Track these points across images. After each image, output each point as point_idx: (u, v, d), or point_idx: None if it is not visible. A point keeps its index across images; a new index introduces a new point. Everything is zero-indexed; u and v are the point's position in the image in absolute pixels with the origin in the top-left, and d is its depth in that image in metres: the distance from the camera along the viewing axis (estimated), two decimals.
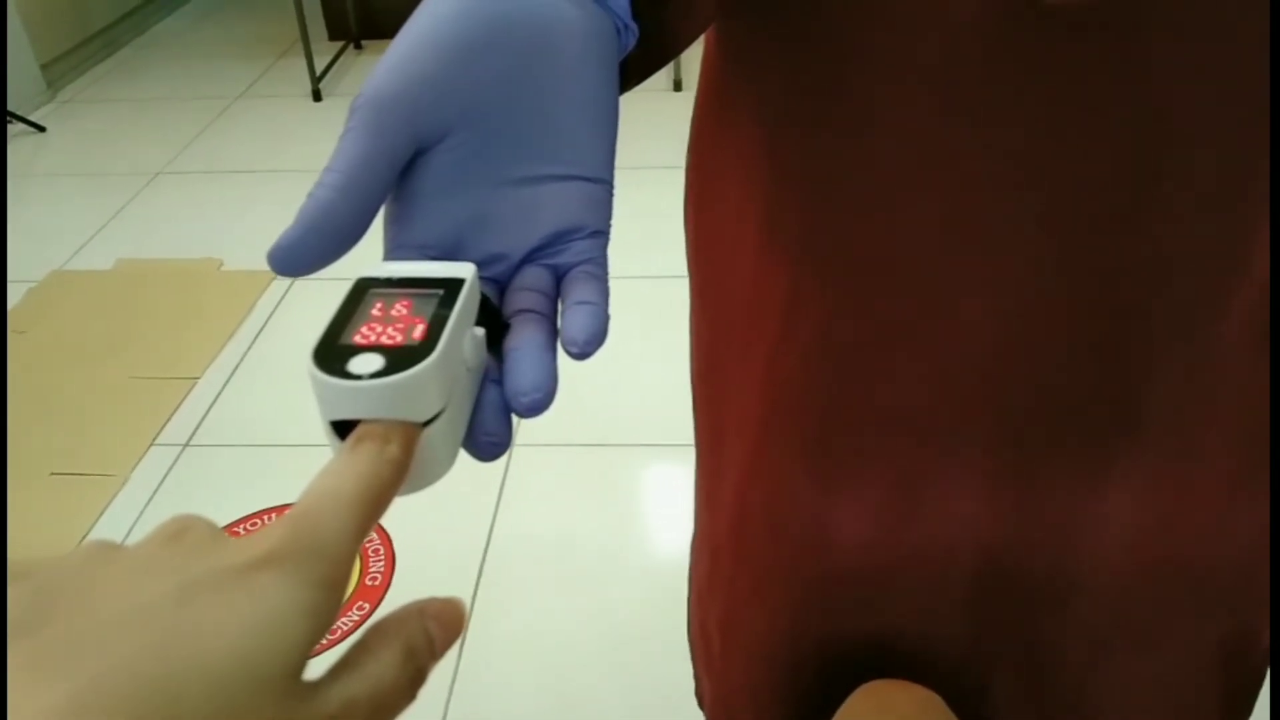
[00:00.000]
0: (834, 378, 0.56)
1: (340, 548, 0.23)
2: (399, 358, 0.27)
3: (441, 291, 0.29)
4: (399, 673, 0.24)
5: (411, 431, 0.27)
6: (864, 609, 0.61)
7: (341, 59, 3.37)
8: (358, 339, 0.28)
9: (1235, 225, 0.49)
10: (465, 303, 0.29)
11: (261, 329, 2.09)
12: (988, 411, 0.54)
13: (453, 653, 1.26)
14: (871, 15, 0.45)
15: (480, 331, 0.30)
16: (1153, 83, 0.44)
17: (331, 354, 0.27)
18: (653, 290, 1.92)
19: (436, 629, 0.26)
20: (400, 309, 0.29)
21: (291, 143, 2.88)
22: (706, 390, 0.68)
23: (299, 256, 0.31)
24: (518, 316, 0.32)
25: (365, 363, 0.27)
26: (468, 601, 1.50)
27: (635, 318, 1.96)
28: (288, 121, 3.00)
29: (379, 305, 0.29)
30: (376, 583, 1.52)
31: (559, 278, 0.34)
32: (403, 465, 0.26)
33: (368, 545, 1.57)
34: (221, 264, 2.33)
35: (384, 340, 0.28)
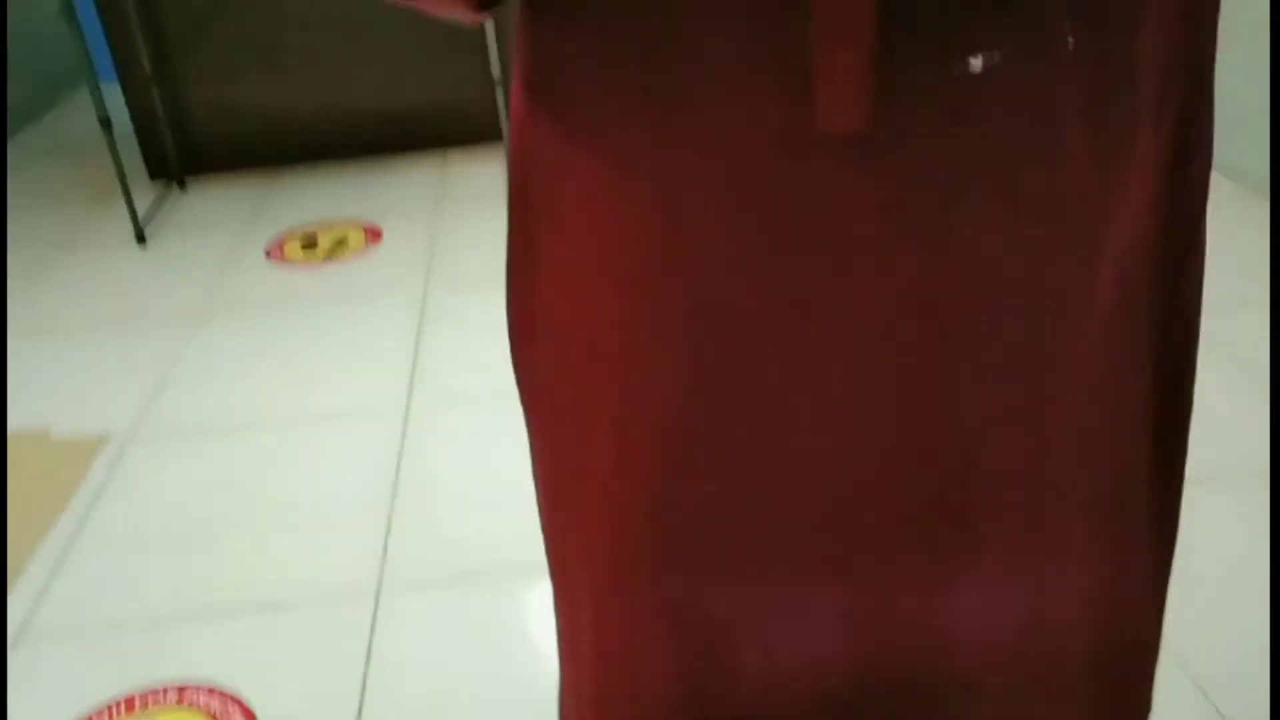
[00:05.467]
0: (674, 502, 0.55)
1: None
2: None
3: None
4: None
5: None
6: None
7: (165, 199, 3.28)
8: None
9: (1043, 322, 0.50)
10: None
11: (95, 501, 1.97)
12: (828, 526, 0.54)
13: None
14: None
15: None
16: (933, 203, 0.46)
17: None
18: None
19: None
20: None
21: (117, 293, 2.76)
22: (553, 531, 0.66)
23: None
24: None
25: None
26: None
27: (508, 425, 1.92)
28: (113, 270, 2.88)
29: None
30: None
31: None
32: None
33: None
34: (48, 432, 2.20)
35: None
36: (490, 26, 2.87)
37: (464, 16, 0.48)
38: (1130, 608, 0.64)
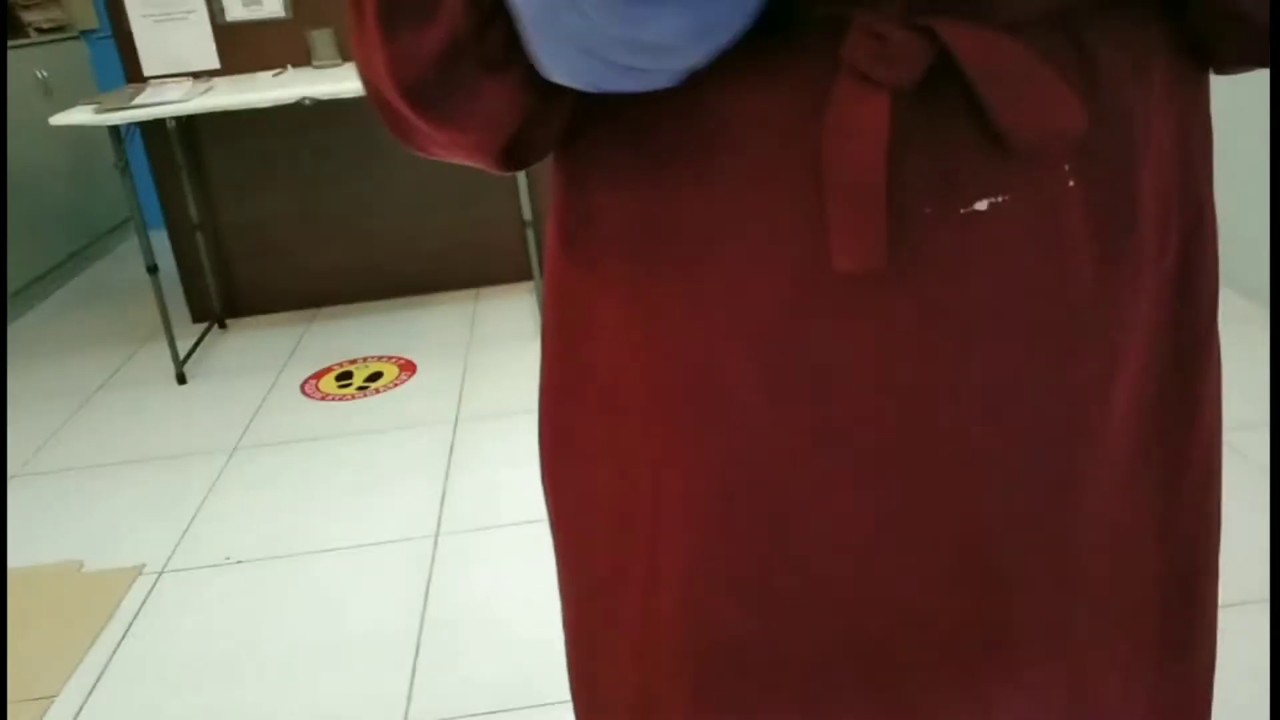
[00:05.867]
0: (707, 641, 0.54)
1: None
2: None
3: None
4: None
5: None
6: None
7: (206, 339, 3.37)
8: None
9: (1065, 444, 0.51)
10: None
11: (126, 632, 1.96)
12: (860, 656, 0.53)
13: None
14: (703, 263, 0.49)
15: None
16: (951, 338, 0.47)
17: None
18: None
19: None
20: None
21: (156, 430, 2.81)
22: (580, 670, 0.66)
23: None
24: None
25: None
26: None
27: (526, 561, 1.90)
28: (152, 408, 2.94)
29: None
30: None
31: None
32: None
33: None
34: (82, 565, 2.21)
35: None
36: (521, 172, 2.97)
37: (491, 169, 0.51)
38: None
